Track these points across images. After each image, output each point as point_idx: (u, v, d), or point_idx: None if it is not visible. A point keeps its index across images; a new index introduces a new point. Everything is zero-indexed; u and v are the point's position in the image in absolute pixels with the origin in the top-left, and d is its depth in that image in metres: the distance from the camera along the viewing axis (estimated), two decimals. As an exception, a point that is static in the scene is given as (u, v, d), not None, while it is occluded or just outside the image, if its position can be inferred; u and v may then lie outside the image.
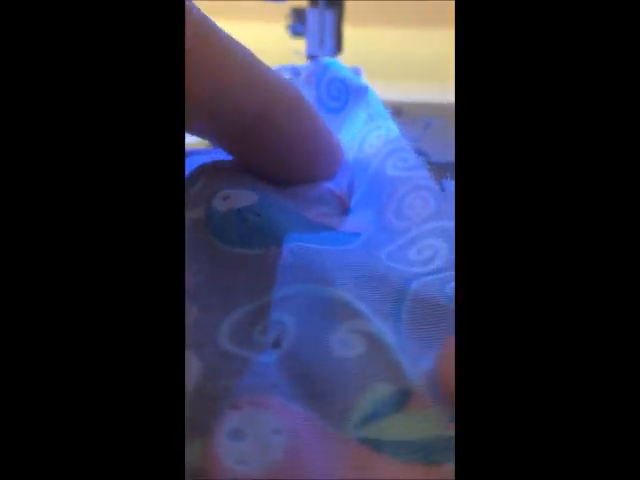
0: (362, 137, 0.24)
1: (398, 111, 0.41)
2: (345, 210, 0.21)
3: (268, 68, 0.20)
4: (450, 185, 0.28)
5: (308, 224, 0.19)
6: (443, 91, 0.37)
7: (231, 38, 0.19)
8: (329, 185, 0.22)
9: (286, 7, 0.38)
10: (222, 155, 0.22)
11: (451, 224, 0.18)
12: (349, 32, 0.38)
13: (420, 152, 0.32)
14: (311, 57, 0.37)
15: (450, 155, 0.31)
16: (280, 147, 0.21)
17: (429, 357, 0.14)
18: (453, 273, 0.16)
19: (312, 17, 0.35)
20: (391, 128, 0.23)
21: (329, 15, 0.35)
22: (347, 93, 0.25)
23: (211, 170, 0.21)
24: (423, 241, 0.18)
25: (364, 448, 0.13)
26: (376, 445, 0.13)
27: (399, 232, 0.19)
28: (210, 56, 0.18)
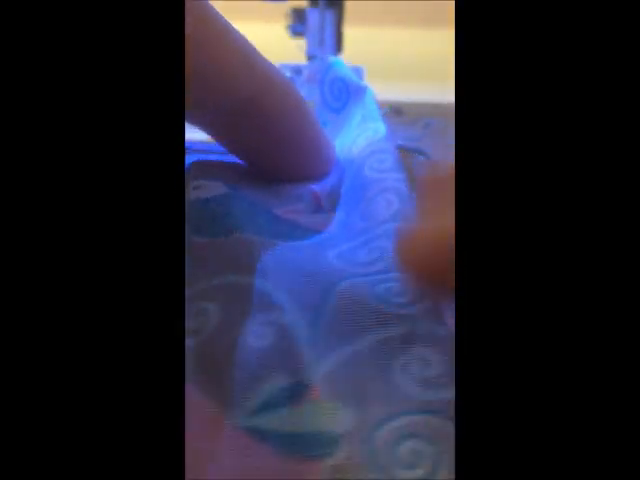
0: (353, 139, 0.24)
1: (398, 111, 0.41)
2: (319, 209, 0.22)
3: (262, 57, 0.20)
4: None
5: (271, 218, 0.20)
6: (443, 91, 0.37)
7: (229, 24, 0.19)
8: (313, 186, 0.22)
9: (286, 7, 0.38)
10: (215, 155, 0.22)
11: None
12: (349, 32, 0.38)
13: (420, 152, 0.32)
14: (311, 57, 0.37)
15: (450, 155, 0.31)
16: (268, 136, 0.21)
17: (334, 356, 0.15)
18: (391, 275, 0.16)
19: (312, 17, 0.35)
20: (378, 130, 0.23)
21: (329, 15, 0.35)
22: (347, 93, 0.25)
23: (195, 163, 0.21)
24: (375, 242, 0.18)
25: (250, 437, 0.13)
26: (261, 435, 0.13)
27: (359, 232, 0.19)
28: (208, 39, 0.19)
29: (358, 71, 0.33)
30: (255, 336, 0.15)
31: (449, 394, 0.14)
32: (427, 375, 0.14)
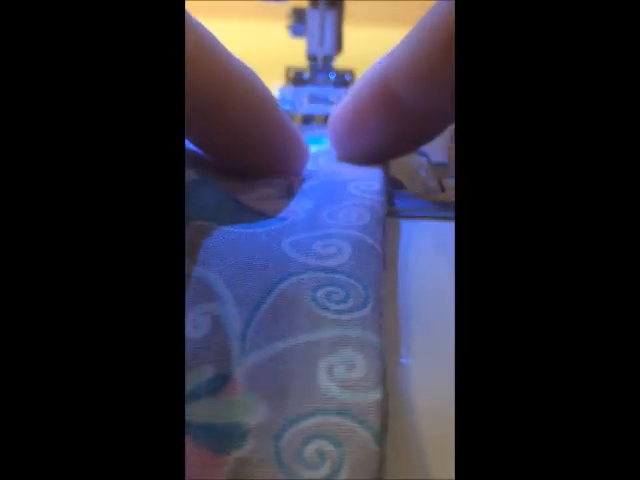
0: None
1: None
2: (289, 193, 0.22)
3: (232, 57, 0.20)
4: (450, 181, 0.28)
5: (236, 207, 0.20)
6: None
7: (200, 25, 0.19)
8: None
9: (286, 7, 0.38)
10: None
11: (371, 241, 0.19)
12: (349, 32, 0.38)
13: (420, 152, 0.32)
14: (311, 57, 0.37)
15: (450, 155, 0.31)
16: (235, 137, 0.21)
17: (261, 352, 0.15)
18: (337, 277, 0.17)
19: (312, 17, 0.36)
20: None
21: (329, 15, 0.35)
22: None
23: None
24: (334, 240, 0.18)
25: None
26: (187, 425, 0.14)
27: (321, 226, 0.19)
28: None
29: (348, 76, 0.33)
30: (192, 326, 0.16)
31: (366, 398, 0.14)
32: (349, 377, 0.15)
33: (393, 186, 0.28)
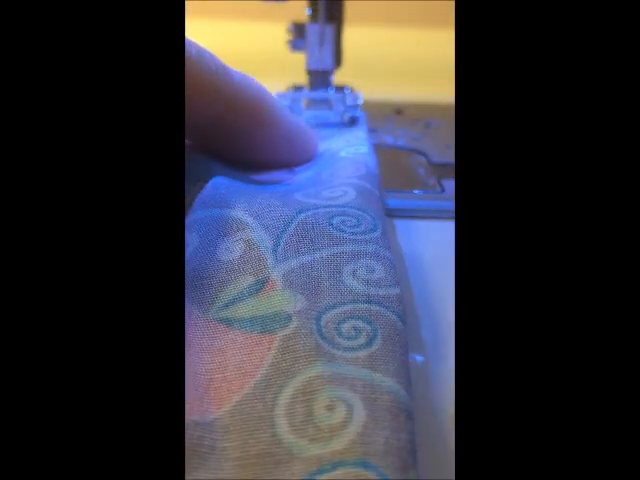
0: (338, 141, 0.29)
1: (398, 111, 0.41)
2: (291, 171, 0.25)
3: (235, 75, 0.21)
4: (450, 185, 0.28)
5: (246, 179, 0.24)
6: (443, 91, 0.37)
7: (204, 50, 0.20)
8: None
9: (286, 7, 0.38)
10: None
11: (370, 187, 0.22)
12: (349, 32, 0.38)
13: (420, 152, 0.32)
14: (311, 72, 0.37)
15: (450, 155, 0.31)
16: (239, 147, 0.23)
17: (292, 261, 0.18)
18: (349, 210, 0.20)
19: (312, 33, 0.36)
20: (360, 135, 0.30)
21: (329, 30, 0.36)
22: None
23: None
24: (339, 187, 0.22)
25: (220, 325, 0.16)
26: (229, 322, 0.16)
27: (325, 181, 0.23)
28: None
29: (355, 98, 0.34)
30: (225, 250, 0.18)
31: (388, 292, 0.17)
32: (371, 278, 0.17)
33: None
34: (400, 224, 0.25)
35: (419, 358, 0.18)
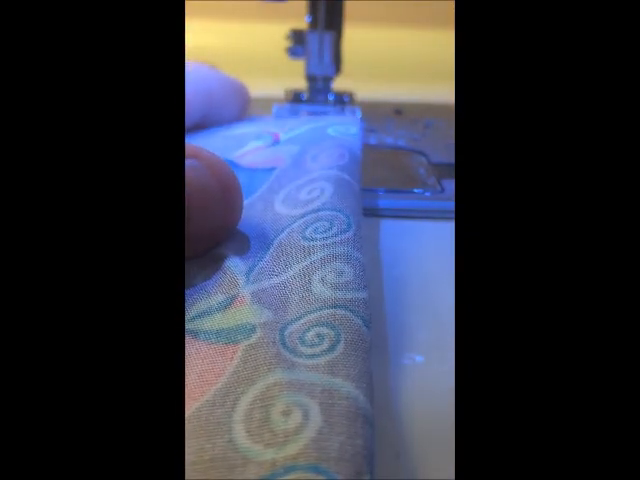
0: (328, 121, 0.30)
1: (398, 111, 0.42)
2: (276, 143, 0.26)
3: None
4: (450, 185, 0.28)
5: (234, 164, 0.24)
6: (443, 91, 0.37)
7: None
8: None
9: (286, 7, 0.38)
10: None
11: (348, 178, 0.23)
12: (349, 32, 0.38)
13: (420, 152, 0.32)
14: (310, 78, 0.37)
15: (450, 155, 0.31)
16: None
17: (265, 281, 0.18)
18: (321, 214, 0.20)
19: (311, 40, 0.36)
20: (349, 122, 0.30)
21: (328, 38, 0.36)
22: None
23: None
24: (317, 182, 0.22)
25: (187, 336, 0.17)
26: (195, 334, 0.16)
27: (306, 172, 0.23)
28: None
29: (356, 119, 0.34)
30: (201, 277, 0.19)
31: (355, 295, 0.17)
32: (339, 281, 0.18)
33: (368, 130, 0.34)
34: (400, 224, 0.25)
35: (419, 358, 0.18)
